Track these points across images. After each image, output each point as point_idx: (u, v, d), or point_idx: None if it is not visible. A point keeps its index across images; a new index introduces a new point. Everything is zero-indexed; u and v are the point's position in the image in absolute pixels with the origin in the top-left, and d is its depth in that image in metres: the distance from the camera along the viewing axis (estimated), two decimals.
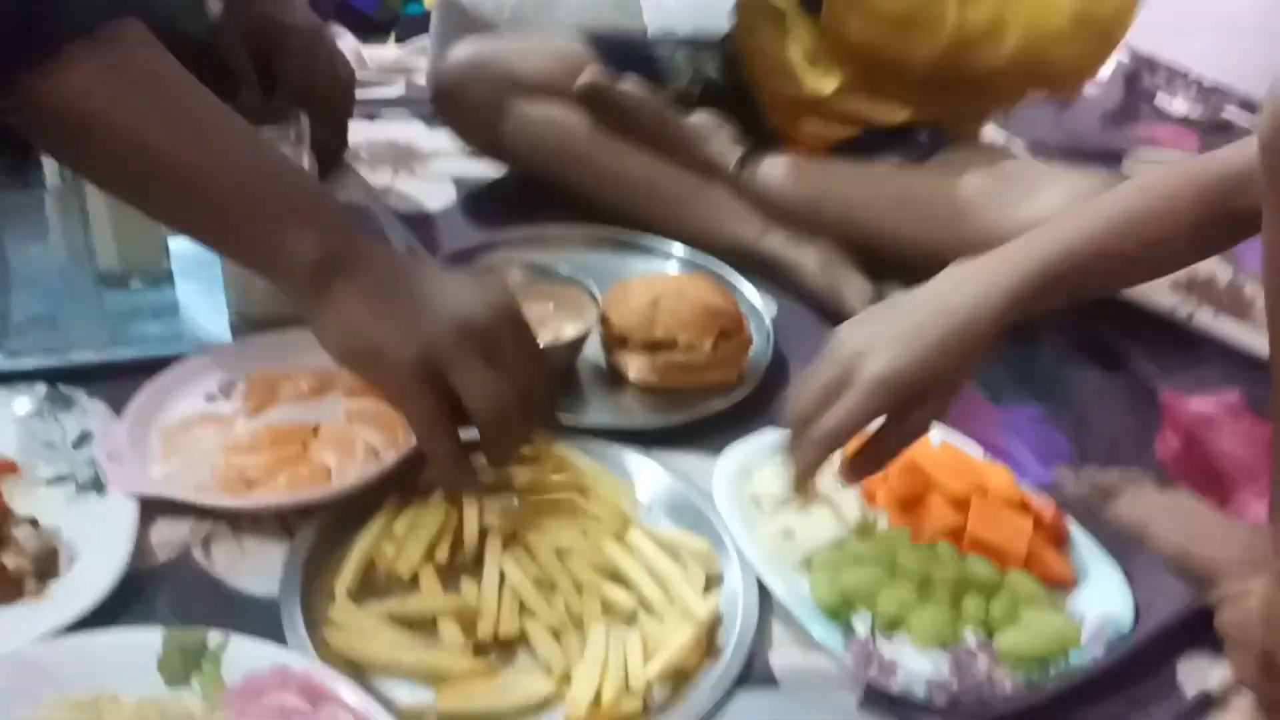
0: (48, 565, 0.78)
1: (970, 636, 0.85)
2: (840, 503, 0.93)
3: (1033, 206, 1.16)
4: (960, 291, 0.77)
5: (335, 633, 0.76)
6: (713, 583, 0.86)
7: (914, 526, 0.94)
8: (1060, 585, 0.91)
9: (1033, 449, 1.11)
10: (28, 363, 0.97)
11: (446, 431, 0.77)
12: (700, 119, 1.35)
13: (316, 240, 0.76)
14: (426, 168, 1.53)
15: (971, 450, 1.04)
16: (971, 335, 0.77)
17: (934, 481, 0.97)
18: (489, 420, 0.77)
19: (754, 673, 0.79)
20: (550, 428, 0.88)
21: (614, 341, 1.10)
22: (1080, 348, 1.26)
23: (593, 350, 1.12)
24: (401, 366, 0.75)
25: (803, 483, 0.79)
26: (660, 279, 1.13)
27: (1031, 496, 0.97)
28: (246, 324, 1.09)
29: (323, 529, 0.85)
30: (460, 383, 0.75)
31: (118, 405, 0.94)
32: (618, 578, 0.85)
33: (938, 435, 1.05)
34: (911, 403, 0.77)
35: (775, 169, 1.31)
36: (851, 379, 0.75)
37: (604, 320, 1.09)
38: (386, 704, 0.70)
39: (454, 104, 1.41)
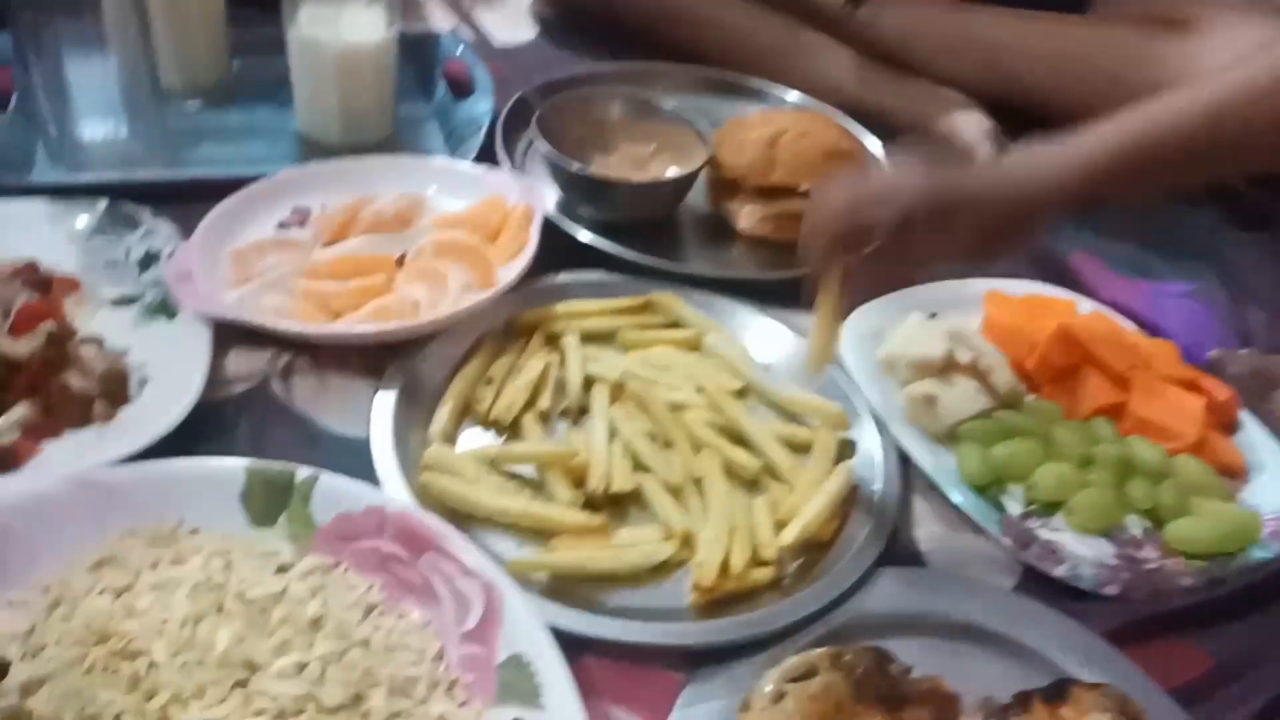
0: (117, 388, 0.70)
1: (1134, 524, 0.75)
2: (989, 368, 0.82)
3: (1203, 64, 1.02)
4: (1027, 162, 0.70)
5: (433, 478, 0.68)
6: (846, 450, 0.77)
7: (1068, 403, 0.83)
8: (1232, 475, 0.81)
9: (1183, 327, 0.99)
10: (87, 177, 0.88)
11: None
12: None
13: None
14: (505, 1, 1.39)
15: (1125, 325, 0.93)
16: (1027, 193, 0.69)
17: (1090, 353, 0.85)
18: None
19: (898, 549, 0.70)
20: None
21: (723, 186, 0.99)
22: (1234, 219, 1.13)
23: (697, 199, 1.01)
24: None
25: (816, 282, 0.72)
26: (780, 116, 1.00)
27: (1202, 375, 0.86)
28: (316, 149, 0.99)
29: (414, 367, 0.76)
30: None
31: (183, 229, 0.85)
32: (739, 439, 0.76)
33: (1087, 305, 0.94)
34: (936, 224, 0.68)
35: (902, 14, 1.17)
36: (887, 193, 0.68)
37: (713, 163, 0.98)
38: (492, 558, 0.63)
39: None
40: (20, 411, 0.67)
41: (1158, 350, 0.88)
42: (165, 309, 0.78)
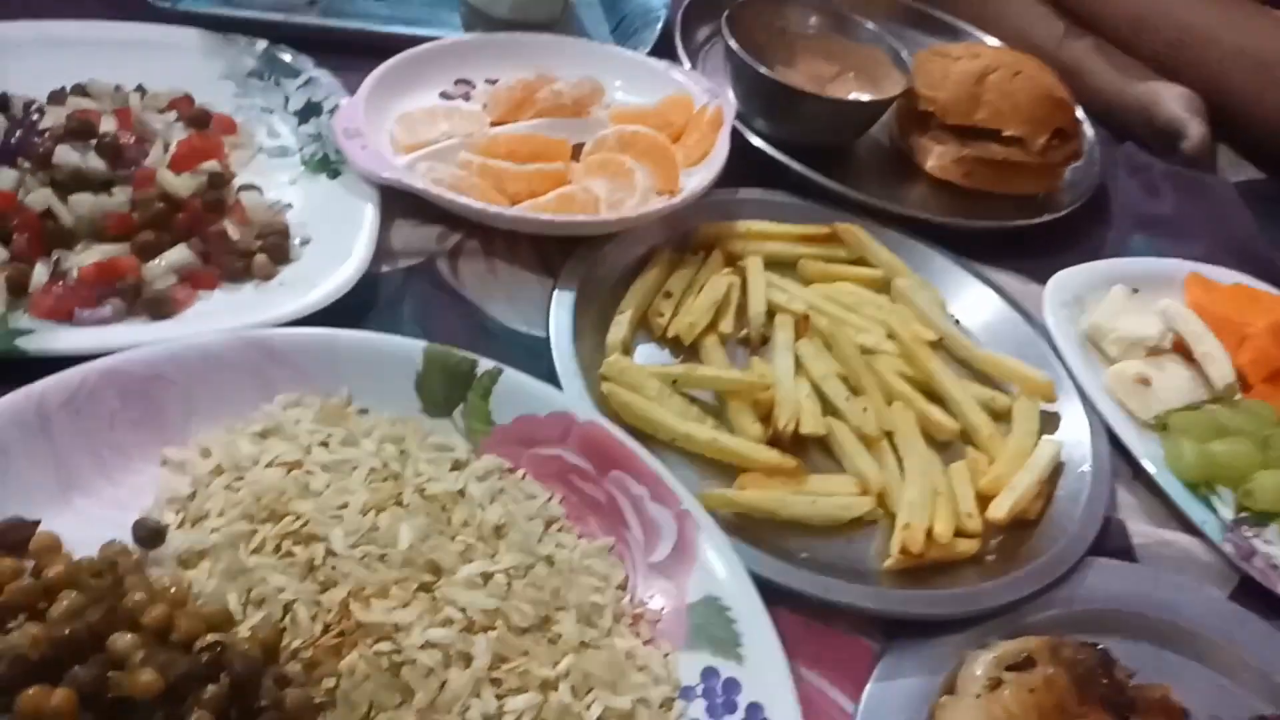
0: (278, 244, 0.64)
1: None
2: (1207, 357, 0.75)
3: None
4: None
5: (615, 390, 0.62)
6: (1046, 424, 0.70)
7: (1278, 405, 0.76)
8: None
9: None
10: (244, 13, 0.81)
11: None
12: None
13: None
14: None
15: None
16: None
17: None
18: None
19: (1108, 540, 0.64)
20: None
21: (912, 119, 0.90)
22: None
23: (876, 128, 0.92)
24: None
25: None
26: (989, 51, 0.91)
27: None
28: (479, 19, 0.91)
29: (590, 267, 0.69)
30: None
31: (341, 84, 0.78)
32: (932, 395, 0.69)
33: None
34: None
35: None
36: None
37: (909, 93, 0.89)
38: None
39: None
40: (178, 254, 0.61)
41: None
42: (327, 166, 0.71)
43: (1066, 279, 0.80)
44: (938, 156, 0.89)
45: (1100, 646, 0.54)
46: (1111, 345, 0.75)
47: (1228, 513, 0.68)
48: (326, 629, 0.45)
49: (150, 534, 0.48)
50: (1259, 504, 0.68)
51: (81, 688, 0.40)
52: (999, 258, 0.84)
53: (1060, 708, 0.51)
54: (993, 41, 1.05)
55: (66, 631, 0.42)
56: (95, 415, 0.51)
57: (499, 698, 0.45)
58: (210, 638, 0.43)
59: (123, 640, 0.42)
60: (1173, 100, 1.00)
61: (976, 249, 0.84)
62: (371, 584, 0.46)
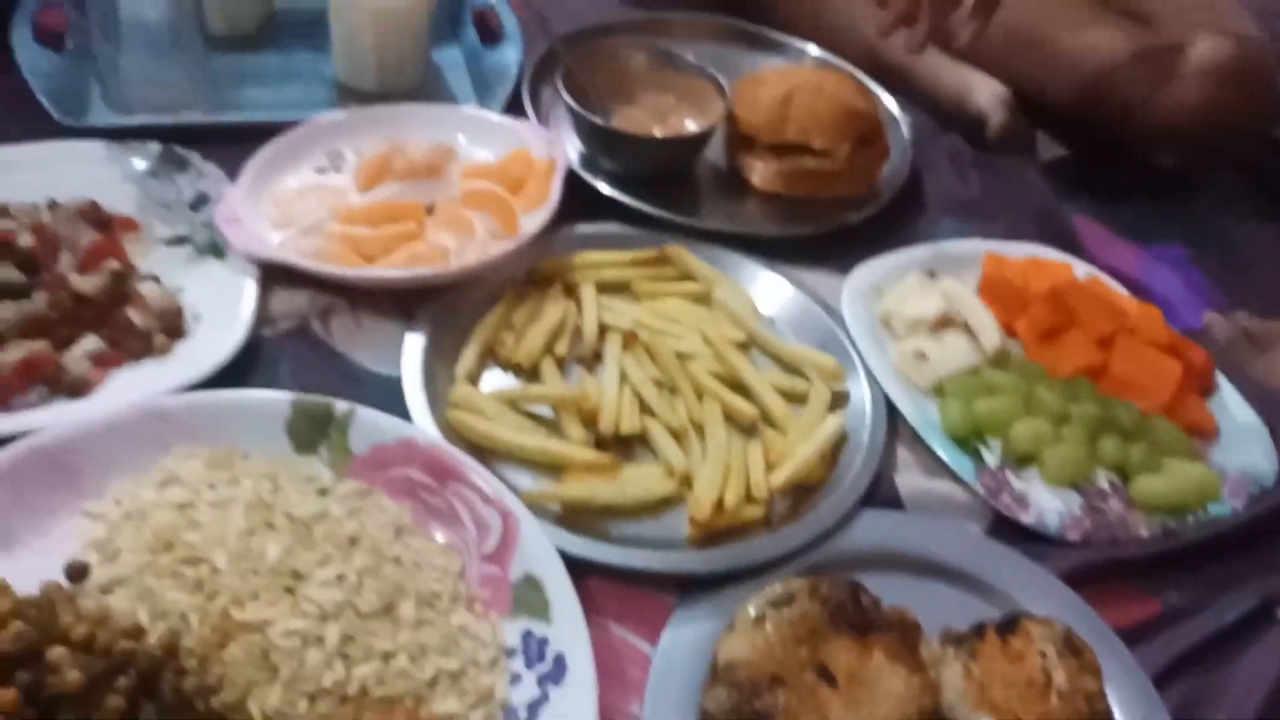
0: (174, 323, 0.77)
1: (1103, 478, 0.81)
2: (978, 328, 0.88)
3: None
4: None
5: (458, 414, 0.75)
6: (839, 401, 0.83)
7: (1052, 362, 0.88)
8: (1202, 435, 0.86)
9: (1179, 291, 1.04)
10: (140, 119, 0.94)
11: None
12: None
13: None
14: None
15: (1118, 289, 0.97)
16: None
17: (1078, 316, 0.91)
18: None
19: (880, 494, 0.77)
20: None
21: (739, 141, 1.03)
22: (1243, 195, 1.17)
23: (714, 151, 1.05)
24: None
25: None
26: (796, 73, 1.04)
27: (1182, 340, 0.91)
28: (351, 94, 1.04)
29: (442, 311, 0.83)
30: None
31: (228, 170, 0.91)
32: (739, 387, 0.82)
33: (1083, 269, 0.99)
34: None
35: None
36: None
37: (730, 118, 1.02)
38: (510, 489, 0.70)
39: None
40: (89, 343, 0.74)
41: (1145, 315, 0.93)
42: (215, 249, 0.84)
43: (865, 271, 0.93)
44: (761, 172, 1.02)
45: (853, 581, 0.67)
46: (900, 326, 0.88)
47: (994, 460, 0.81)
48: (213, 630, 0.58)
49: (77, 572, 0.61)
50: (1017, 448, 0.81)
51: (24, 688, 0.54)
52: (821, 257, 0.97)
53: (813, 633, 0.64)
54: (814, 51, 1.18)
55: (12, 648, 0.55)
56: (24, 484, 0.64)
57: (347, 668, 0.58)
58: (123, 644, 0.57)
59: (55, 651, 0.55)
60: (982, 90, 1.13)
61: (802, 252, 0.97)
62: (246, 591, 0.59)
